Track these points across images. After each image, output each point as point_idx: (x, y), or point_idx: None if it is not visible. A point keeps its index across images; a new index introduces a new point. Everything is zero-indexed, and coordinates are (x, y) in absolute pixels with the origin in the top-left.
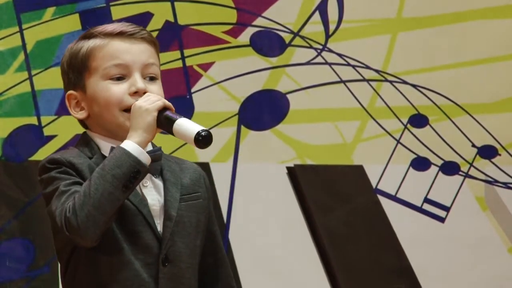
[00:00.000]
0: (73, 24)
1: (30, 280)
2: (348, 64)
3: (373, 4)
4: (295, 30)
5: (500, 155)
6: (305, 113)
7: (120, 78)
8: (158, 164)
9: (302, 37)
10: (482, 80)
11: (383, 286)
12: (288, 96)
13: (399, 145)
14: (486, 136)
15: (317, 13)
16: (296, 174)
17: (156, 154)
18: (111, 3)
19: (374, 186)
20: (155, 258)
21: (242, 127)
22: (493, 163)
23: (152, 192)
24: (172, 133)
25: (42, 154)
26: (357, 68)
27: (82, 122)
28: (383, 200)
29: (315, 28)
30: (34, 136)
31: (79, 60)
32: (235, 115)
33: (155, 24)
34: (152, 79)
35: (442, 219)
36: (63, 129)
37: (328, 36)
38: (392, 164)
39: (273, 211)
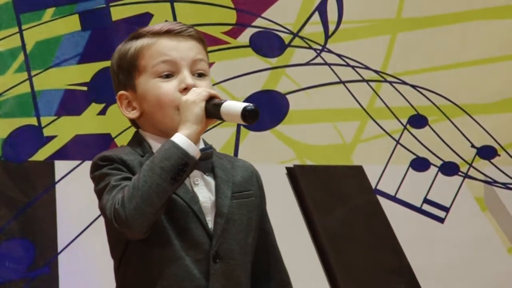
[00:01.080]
0: (73, 24)
1: (30, 281)
2: (348, 65)
3: (373, 4)
4: (295, 30)
5: (499, 155)
6: (305, 113)
7: (169, 75)
8: (210, 162)
9: (302, 38)
10: (482, 80)
11: (382, 286)
12: (288, 96)
13: (398, 145)
14: (486, 136)
15: (316, 13)
16: (295, 175)
17: (207, 152)
18: (110, 4)
19: (373, 186)
20: (205, 254)
21: (242, 127)
22: (492, 163)
23: (203, 190)
24: (222, 119)
25: (42, 155)
26: (357, 69)
27: (133, 121)
28: (382, 201)
29: (314, 28)
30: (34, 136)
31: (128, 60)
32: None
33: None
34: (201, 75)
35: (441, 220)
36: (63, 130)
37: (327, 36)
38: (391, 165)
39: (272, 211)
